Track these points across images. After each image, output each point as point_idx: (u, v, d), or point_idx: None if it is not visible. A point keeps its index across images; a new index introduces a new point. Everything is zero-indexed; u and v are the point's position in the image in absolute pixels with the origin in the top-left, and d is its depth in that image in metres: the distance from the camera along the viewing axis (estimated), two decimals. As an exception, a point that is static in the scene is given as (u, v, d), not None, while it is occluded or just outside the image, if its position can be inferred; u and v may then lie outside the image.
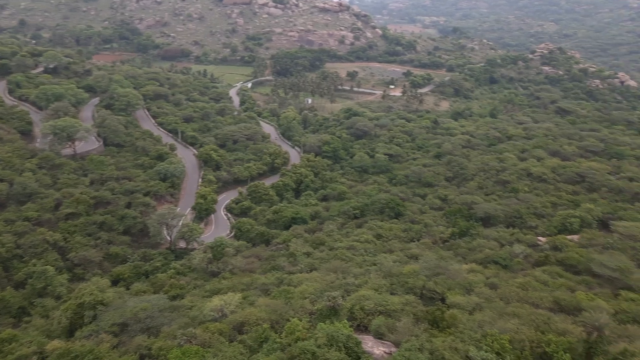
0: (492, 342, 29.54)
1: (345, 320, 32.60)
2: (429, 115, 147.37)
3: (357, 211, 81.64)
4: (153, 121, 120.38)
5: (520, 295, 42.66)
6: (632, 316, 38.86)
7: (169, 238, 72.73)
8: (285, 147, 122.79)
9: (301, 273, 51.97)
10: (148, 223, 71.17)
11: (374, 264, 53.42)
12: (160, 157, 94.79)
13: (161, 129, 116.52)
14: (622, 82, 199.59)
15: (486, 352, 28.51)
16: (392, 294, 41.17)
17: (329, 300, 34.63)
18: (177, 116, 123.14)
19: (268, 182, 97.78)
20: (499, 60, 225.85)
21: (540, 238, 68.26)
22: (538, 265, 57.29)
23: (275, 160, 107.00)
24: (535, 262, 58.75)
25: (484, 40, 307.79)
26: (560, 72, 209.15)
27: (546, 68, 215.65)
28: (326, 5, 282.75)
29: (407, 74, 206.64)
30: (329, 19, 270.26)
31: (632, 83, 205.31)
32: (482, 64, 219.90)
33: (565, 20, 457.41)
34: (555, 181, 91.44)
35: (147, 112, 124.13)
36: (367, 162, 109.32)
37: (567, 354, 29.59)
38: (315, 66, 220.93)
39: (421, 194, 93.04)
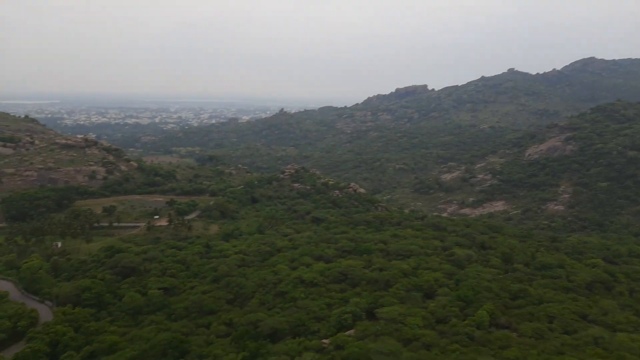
0: None
1: None
2: (200, 240, 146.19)
3: (134, 363, 70.62)
4: None
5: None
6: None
7: None
8: (32, 303, 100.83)
9: None
10: None
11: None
12: None
13: None
14: (354, 190, 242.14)
15: None
16: None
17: None
18: None
19: (10, 353, 76.78)
20: (256, 182, 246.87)
21: (324, 340, 71.54)
22: (328, 368, 59.29)
23: (19, 323, 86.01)
24: (326, 365, 60.74)
25: (240, 165, 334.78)
26: (308, 187, 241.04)
27: (296, 184, 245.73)
28: (69, 142, 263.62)
29: (171, 203, 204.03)
30: (75, 154, 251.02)
31: (362, 190, 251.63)
32: (242, 187, 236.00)
33: (302, 145, 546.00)
34: (324, 283, 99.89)
35: None
36: (140, 301, 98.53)
37: None
38: (63, 205, 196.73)
39: (205, 324, 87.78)
